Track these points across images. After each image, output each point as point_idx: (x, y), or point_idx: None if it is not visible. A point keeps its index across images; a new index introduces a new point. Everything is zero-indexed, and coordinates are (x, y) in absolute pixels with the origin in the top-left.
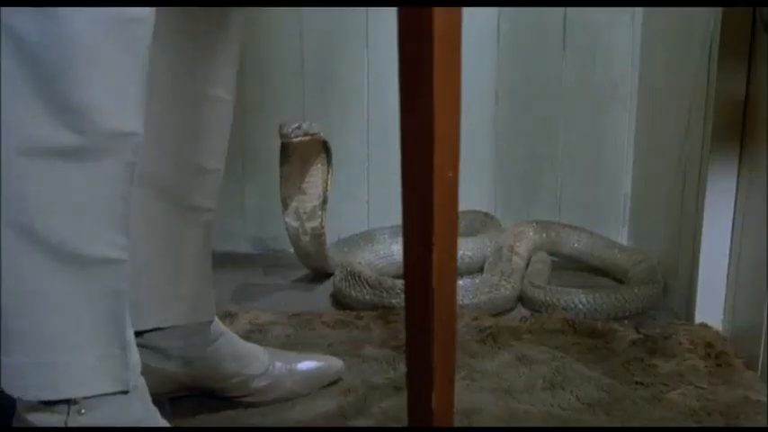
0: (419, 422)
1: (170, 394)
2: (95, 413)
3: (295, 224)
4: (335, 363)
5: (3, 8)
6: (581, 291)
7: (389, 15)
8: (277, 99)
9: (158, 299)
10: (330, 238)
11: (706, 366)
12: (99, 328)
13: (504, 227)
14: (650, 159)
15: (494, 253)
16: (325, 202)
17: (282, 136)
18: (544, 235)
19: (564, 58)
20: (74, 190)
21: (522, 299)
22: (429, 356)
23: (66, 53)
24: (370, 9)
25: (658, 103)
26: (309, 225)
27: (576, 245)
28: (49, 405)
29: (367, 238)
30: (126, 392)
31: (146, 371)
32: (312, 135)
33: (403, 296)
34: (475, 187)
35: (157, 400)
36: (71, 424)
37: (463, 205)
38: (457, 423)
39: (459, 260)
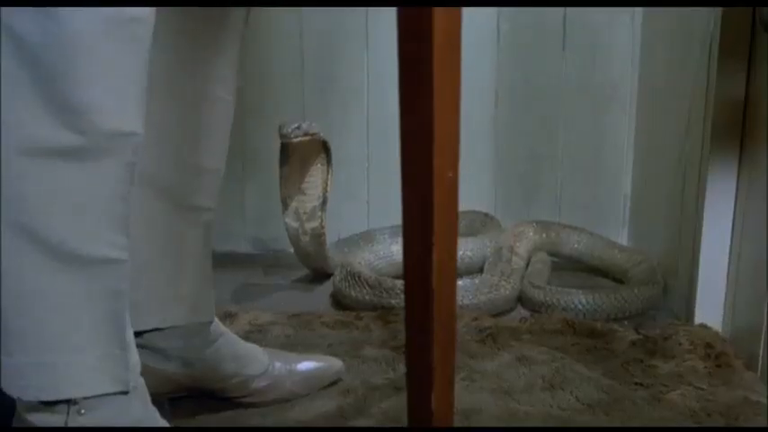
0: (419, 422)
1: (169, 394)
2: (95, 413)
3: (295, 224)
4: (335, 363)
5: (3, 8)
6: (581, 291)
7: (389, 15)
8: (277, 99)
9: (158, 299)
10: (330, 239)
11: (706, 367)
12: (99, 329)
13: (503, 227)
14: (650, 159)
15: (494, 253)
16: (324, 202)
17: (282, 136)
18: (544, 235)
19: (564, 59)
20: (74, 190)
21: (521, 299)
22: (429, 357)
23: (66, 53)
24: (370, 9)
25: (658, 103)
26: (309, 225)
27: (575, 245)
28: (48, 405)
29: (367, 238)
30: (126, 393)
31: (145, 371)
32: (312, 135)
33: (403, 296)
34: (475, 187)
35: (157, 400)
36: (71, 424)
37: (463, 205)
38: (456, 423)
39: (459, 260)
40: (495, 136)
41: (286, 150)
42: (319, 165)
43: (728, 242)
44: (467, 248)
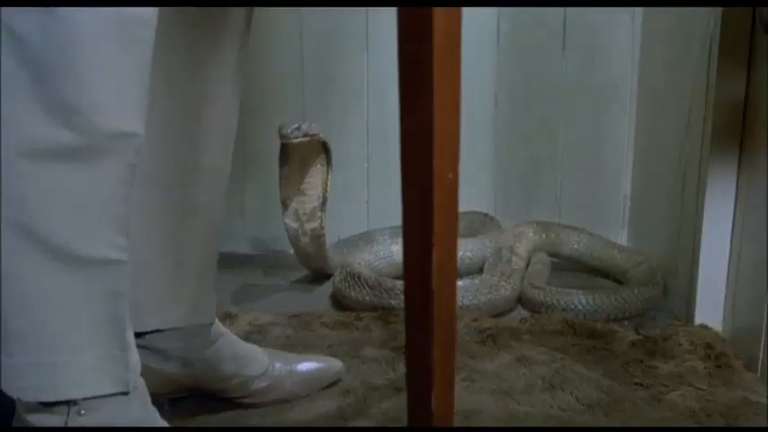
0: (419, 423)
1: (169, 395)
2: (95, 414)
3: (294, 225)
4: (335, 364)
5: (3, 8)
6: (581, 292)
7: (389, 15)
8: (277, 99)
9: (158, 300)
10: (330, 239)
11: (706, 367)
12: (99, 329)
13: (503, 227)
14: (650, 160)
15: (493, 254)
16: (324, 203)
17: (282, 137)
18: (544, 236)
19: (564, 59)
20: (74, 190)
21: (521, 300)
22: (429, 357)
23: (67, 53)
24: (370, 9)
25: (658, 103)
26: (309, 226)
27: (575, 246)
28: (48, 406)
29: (367, 238)
30: (126, 393)
31: (145, 371)
32: (312, 136)
33: (402, 297)
34: (475, 188)
35: (157, 400)
36: (71, 424)
37: (463, 206)
38: (456, 424)
39: (459, 261)
40: (495, 136)
41: (286, 151)
42: (319, 165)
43: (728, 242)
44: (467, 249)
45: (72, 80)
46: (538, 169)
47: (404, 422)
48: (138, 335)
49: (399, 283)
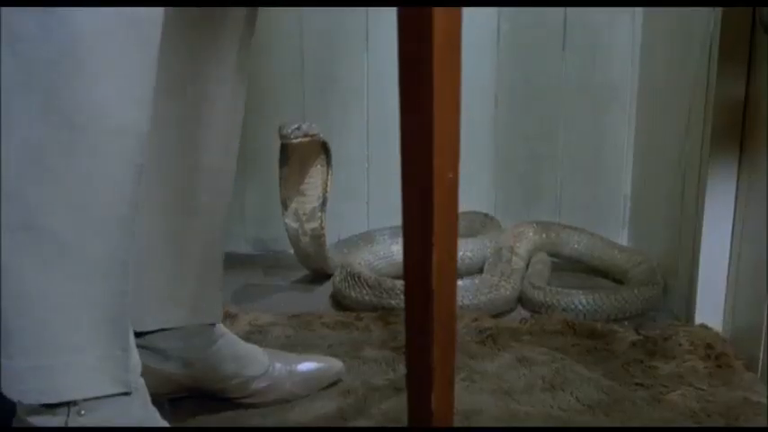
0: (419, 423)
1: (170, 395)
2: (95, 414)
3: (295, 225)
4: (335, 364)
5: (4, 8)
6: (581, 292)
7: (389, 15)
8: (277, 99)
9: (158, 300)
10: (330, 239)
11: (706, 368)
12: (100, 329)
13: (503, 227)
14: (650, 160)
15: (493, 254)
16: (324, 203)
17: (282, 137)
18: (544, 236)
19: (564, 59)
20: (76, 190)
21: (521, 300)
22: (429, 357)
23: (69, 52)
24: (370, 9)
25: (658, 103)
26: (309, 226)
27: (575, 246)
28: (49, 407)
29: (367, 238)
30: (128, 394)
31: (145, 371)
32: (312, 136)
33: (402, 297)
34: (475, 188)
35: (157, 400)
36: (71, 424)
37: (463, 206)
38: (457, 424)
39: (459, 261)
40: (495, 136)
41: (286, 151)
42: (319, 166)
43: (728, 242)
44: (467, 249)
45: (74, 79)
46: (538, 169)
47: (404, 422)
48: (138, 335)
49: (399, 283)
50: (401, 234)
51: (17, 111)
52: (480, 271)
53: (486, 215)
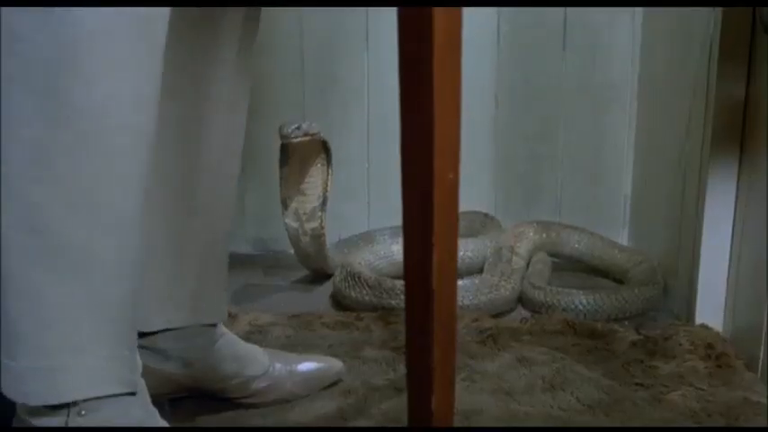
0: (419, 423)
1: (170, 395)
2: (96, 414)
3: (295, 225)
4: (335, 364)
5: (6, 7)
6: (581, 292)
7: (389, 15)
8: (277, 99)
9: (158, 300)
10: (330, 239)
11: (706, 367)
12: (107, 329)
13: (504, 227)
14: (650, 160)
15: (494, 253)
16: (324, 202)
17: (282, 137)
18: (544, 235)
19: (564, 59)
20: (80, 189)
21: (522, 300)
22: (429, 358)
23: (72, 52)
24: (370, 9)
25: (658, 103)
26: (309, 226)
27: (576, 245)
28: (50, 407)
29: (367, 238)
30: (133, 394)
31: (145, 371)
32: (312, 135)
33: (402, 297)
34: (475, 188)
35: (157, 401)
36: (71, 424)
37: (463, 206)
38: (457, 424)
39: (460, 261)
40: (495, 136)
41: (286, 151)
42: (319, 165)
43: (729, 242)
44: (467, 249)
45: (76, 79)
46: (538, 169)
47: (404, 422)
48: (138, 335)
49: (399, 283)
50: (401, 234)
51: (19, 111)
52: (480, 271)
53: (485, 215)
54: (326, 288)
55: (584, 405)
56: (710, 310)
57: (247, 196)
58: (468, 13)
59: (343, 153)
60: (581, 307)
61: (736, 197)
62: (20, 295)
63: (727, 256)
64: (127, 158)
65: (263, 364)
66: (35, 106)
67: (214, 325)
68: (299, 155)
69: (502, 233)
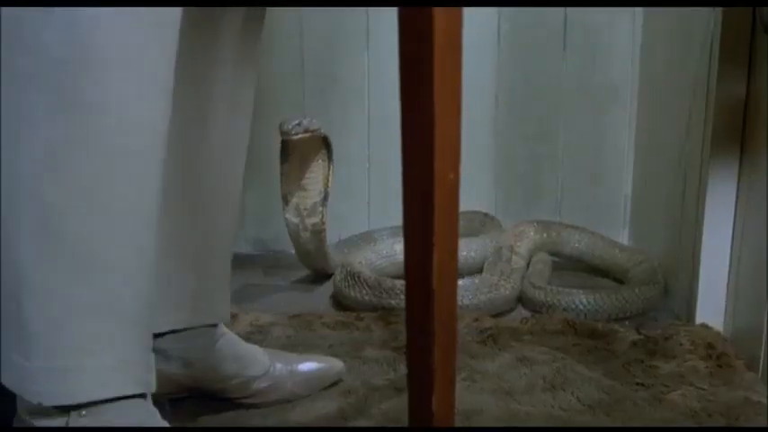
0: (419, 423)
1: (170, 395)
2: (96, 415)
3: (295, 220)
4: (336, 364)
5: (18, 8)
6: (581, 291)
7: (390, 15)
8: (277, 99)
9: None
10: (331, 239)
11: (707, 367)
12: (121, 330)
13: (504, 227)
14: (651, 160)
15: (494, 253)
16: (325, 198)
17: (283, 133)
18: (545, 235)
19: (564, 59)
20: (96, 189)
21: (522, 299)
22: (429, 358)
23: (86, 51)
24: (370, 9)
25: (658, 103)
26: (310, 221)
27: (576, 245)
28: (56, 408)
29: (367, 238)
30: (144, 396)
31: None
32: (312, 132)
33: (402, 297)
34: (475, 188)
35: (157, 401)
36: (72, 424)
37: (463, 206)
38: (457, 424)
39: (460, 261)
40: (495, 136)
41: (286, 147)
42: (320, 161)
43: (729, 242)
44: (467, 249)
45: (90, 79)
46: (538, 169)
47: (404, 422)
48: None
49: (399, 283)
50: (401, 233)
51: (33, 111)
52: (481, 271)
53: (485, 214)
54: (327, 288)
55: (585, 405)
56: (711, 309)
57: (247, 196)
58: (469, 13)
59: (344, 153)
60: (581, 307)
61: (737, 197)
62: (34, 295)
63: (728, 256)
64: (142, 158)
65: (263, 365)
66: (49, 106)
67: (215, 325)
68: (300, 151)
69: (502, 233)
